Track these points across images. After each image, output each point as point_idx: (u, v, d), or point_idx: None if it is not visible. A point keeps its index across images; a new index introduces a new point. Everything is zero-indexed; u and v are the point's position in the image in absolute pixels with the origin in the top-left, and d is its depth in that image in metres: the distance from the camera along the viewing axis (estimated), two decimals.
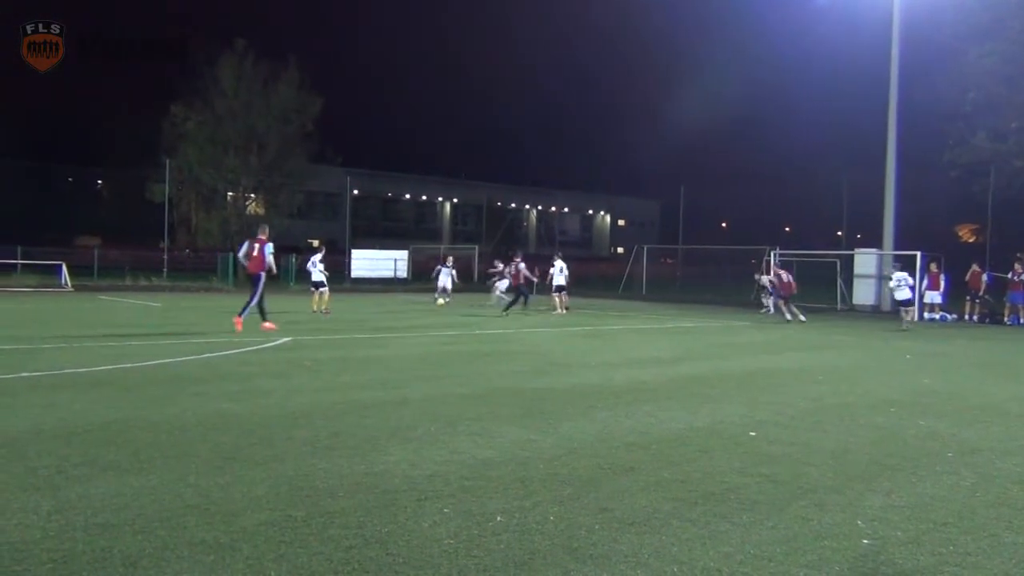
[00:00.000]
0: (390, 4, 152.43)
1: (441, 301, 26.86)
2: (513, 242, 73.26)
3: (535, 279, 25.98)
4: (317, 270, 23.18)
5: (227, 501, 5.15)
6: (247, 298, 16.50)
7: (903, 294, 22.00)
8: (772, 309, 27.48)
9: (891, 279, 22.49)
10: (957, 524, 5.15)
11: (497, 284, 28.51)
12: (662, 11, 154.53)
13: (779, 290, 25.02)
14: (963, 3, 29.75)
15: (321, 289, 22.98)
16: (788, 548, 4.61)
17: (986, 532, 5.01)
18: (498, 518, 4.98)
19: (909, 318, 22.99)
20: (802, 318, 23.93)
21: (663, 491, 5.67)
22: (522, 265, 25.10)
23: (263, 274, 16.31)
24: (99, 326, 17.07)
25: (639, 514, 5.14)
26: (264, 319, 16.37)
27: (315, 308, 22.58)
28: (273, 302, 21.67)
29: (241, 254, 16.72)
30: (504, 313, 23.27)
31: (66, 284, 32.22)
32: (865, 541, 4.77)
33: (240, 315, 16.14)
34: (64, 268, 32.95)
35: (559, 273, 25.63)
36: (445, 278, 27.79)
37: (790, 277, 24.88)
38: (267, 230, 17.20)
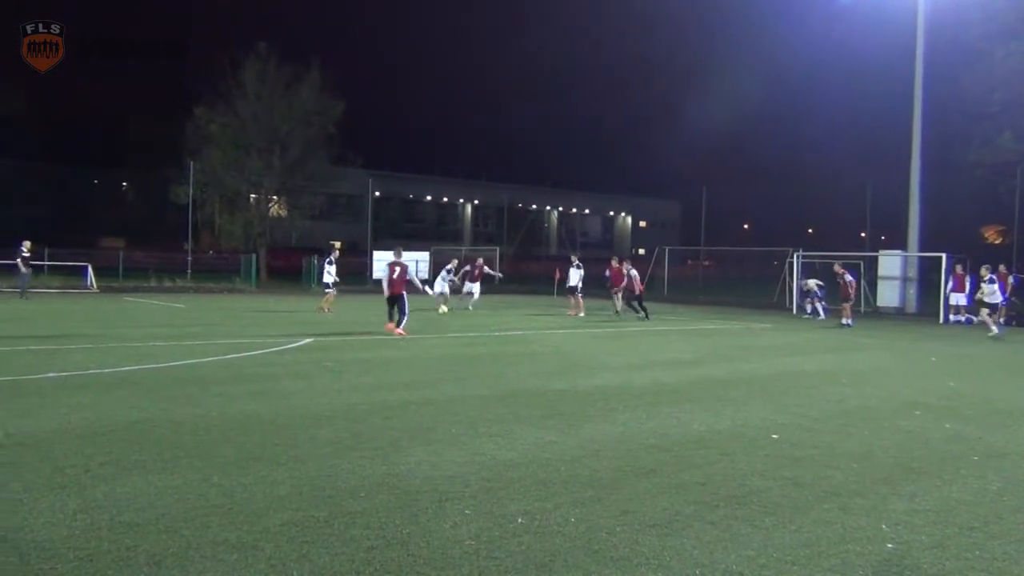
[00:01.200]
0: (411, 6, 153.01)
1: (443, 309, 24.27)
2: (534, 243, 73.25)
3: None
4: (327, 272, 23.70)
5: (250, 501, 5.19)
6: (395, 314, 17.21)
7: (995, 298, 21.09)
8: (822, 314, 26.49)
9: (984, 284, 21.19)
10: (983, 529, 5.09)
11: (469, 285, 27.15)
12: (684, 11, 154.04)
13: (842, 293, 23.40)
14: (990, 3, 29.44)
15: (327, 291, 23.51)
16: (811, 552, 4.58)
17: (1013, 537, 4.96)
18: (519, 520, 4.98)
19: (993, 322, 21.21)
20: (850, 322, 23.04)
21: (684, 493, 5.65)
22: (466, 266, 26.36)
23: (404, 292, 17.43)
24: (124, 327, 17.23)
25: (660, 516, 5.13)
26: (393, 321, 17.36)
27: (323, 307, 22.92)
28: (293, 303, 21.77)
29: (385, 284, 17.63)
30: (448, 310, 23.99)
31: (91, 285, 32.52)
32: (889, 545, 4.74)
33: (399, 327, 17.05)
34: (90, 269, 33.27)
35: (575, 275, 25.49)
36: (442, 284, 25.47)
37: (852, 279, 23.71)
38: (401, 252, 18.73)
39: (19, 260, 25.92)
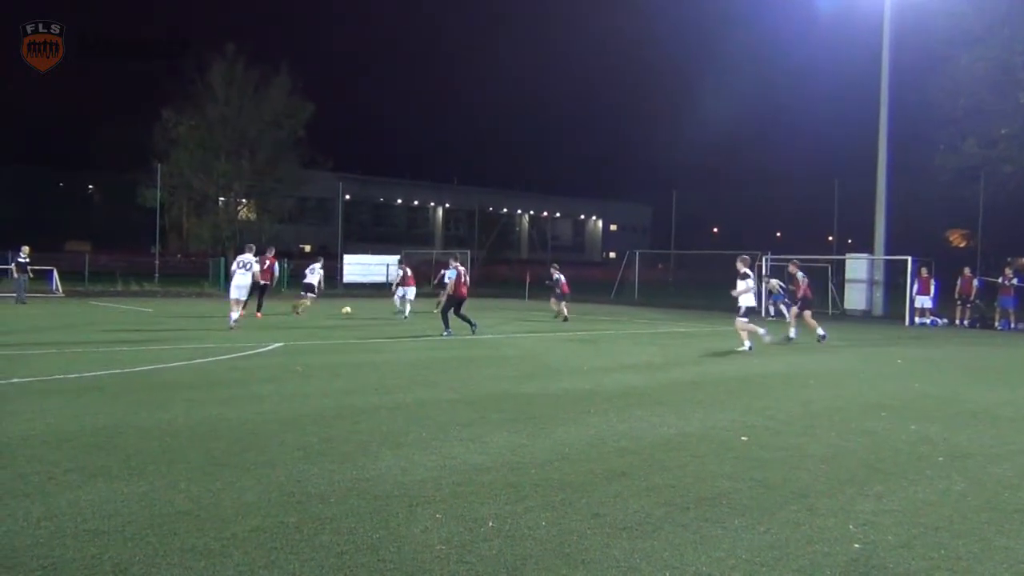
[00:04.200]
0: (382, 10, 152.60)
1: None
2: (505, 247, 73.30)
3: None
4: (314, 272, 24.01)
5: (218, 507, 5.14)
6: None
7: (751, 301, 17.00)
8: (787, 315, 24.74)
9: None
10: (948, 528, 5.16)
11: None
12: (656, 20, 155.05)
13: (794, 296, 20.01)
14: (955, 10, 29.91)
15: (309, 294, 23.62)
16: (780, 553, 4.62)
17: (977, 536, 5.03)
18: (490, 524, 4.98)
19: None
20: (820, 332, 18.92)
21: (655, 496, 5.67)
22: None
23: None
24: (90, 332, 17.00)
25: (631, 519, 5.15)
26: (447, 327, 18.28)
27: (297, 310, 23.21)
28: (267, 307, 21.61)
29: (450, 288, 18.52)
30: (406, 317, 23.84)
31: (57, 290, 32.04)
32: (856, 545, 4.79)
33: (445, 333, 18.02)
34: (55, 274, 32.77)
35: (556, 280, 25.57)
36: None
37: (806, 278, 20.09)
38: (458, 256, 19.65)
39: (13, 265, 25.98)
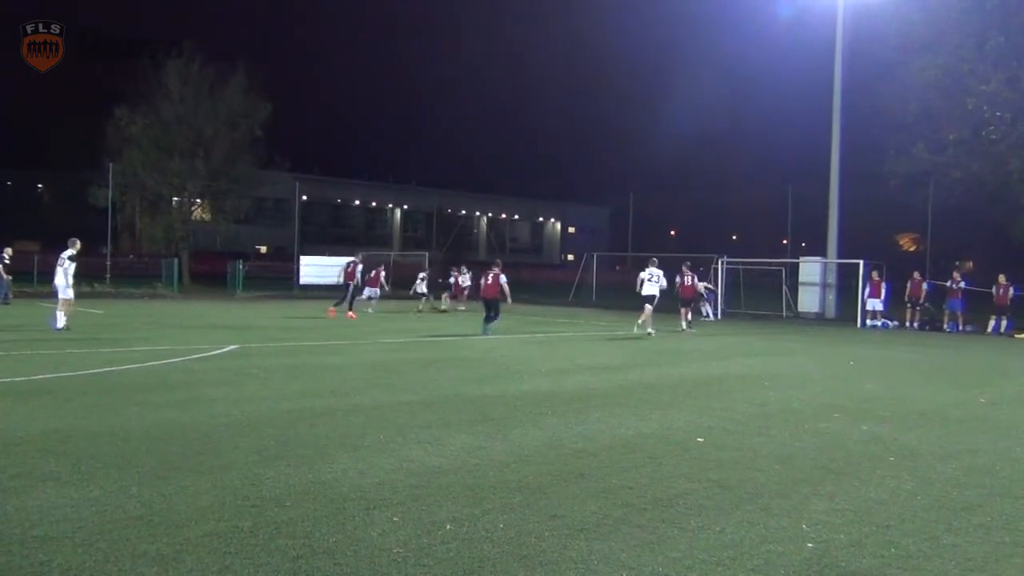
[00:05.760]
0: (339, 9, 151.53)
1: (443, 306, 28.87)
2: (463, 248, 73.19)
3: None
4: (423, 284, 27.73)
5: (171, 512, 5.06)
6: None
7: (652, 289, 20.58)
8: (711, 316, 28.93)
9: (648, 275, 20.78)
10: (898, 527, 5.26)
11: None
12: (615, 25, 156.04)
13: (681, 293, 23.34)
14: (906, 17, 30.47)
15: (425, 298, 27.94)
16: (735, 552, 4.67)
17: (926, 534, 5.13)
18: (448, 526, 4.96)
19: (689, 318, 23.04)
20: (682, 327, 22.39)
21: (612, 497, 5.70)
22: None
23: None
24: (38, 333, 16.63)
25: (588, 520, 5.17)
26: (487, 329, 19.54)
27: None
28: (220, 308, 21.34)
29: (506, 291, 19.87)
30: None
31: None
32: (810, 545, 4.85)
33: (486, 332, 19.27)
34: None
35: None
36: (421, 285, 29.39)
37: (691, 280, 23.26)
38: (501, 264, 20.43)
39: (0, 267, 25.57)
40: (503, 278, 19.73)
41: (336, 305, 23.89)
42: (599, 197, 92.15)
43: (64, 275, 17.49)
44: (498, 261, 20.84)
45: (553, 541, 4.77)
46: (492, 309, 19.62)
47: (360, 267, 24.90)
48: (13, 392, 9.35)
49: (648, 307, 20.33)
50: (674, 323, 22.65)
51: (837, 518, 5.40)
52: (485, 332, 19.23)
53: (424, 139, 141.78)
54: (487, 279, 19.93)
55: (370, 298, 27.93)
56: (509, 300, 20.46)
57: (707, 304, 29.39)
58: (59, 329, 16.77)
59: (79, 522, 4.82)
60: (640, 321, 20.39)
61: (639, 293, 20.51)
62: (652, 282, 20.52)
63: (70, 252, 17.69)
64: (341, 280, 24.90)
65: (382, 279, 29.04)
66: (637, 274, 21.55)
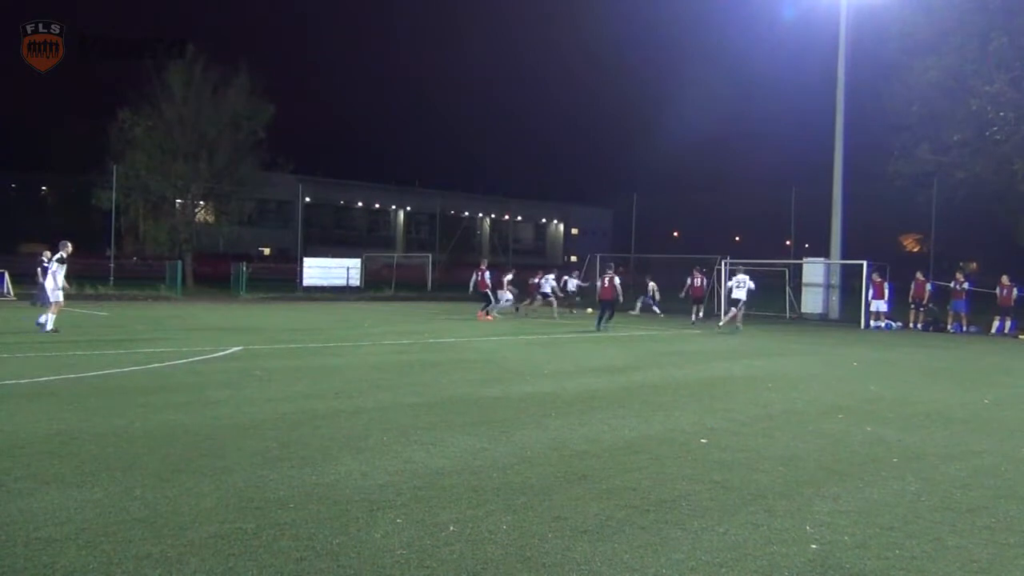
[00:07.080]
0: (342, 11, 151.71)
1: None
2: (467, 251, 73.14)
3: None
4: (548, 285, 28.14)
5: (174, 514, 5.06)
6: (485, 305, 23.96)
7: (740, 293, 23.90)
8: (658, 311, 30.70)
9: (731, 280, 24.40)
10: (903, 528, 5.25)
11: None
12: (618, 27, 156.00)
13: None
14: (909, 19, 30.45)
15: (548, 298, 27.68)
16: (738, 554, 4.67)
17: (930, 536, 5.12)
18: (451, 528, 4.96)
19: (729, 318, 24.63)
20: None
21: (616, 499, 5.70)
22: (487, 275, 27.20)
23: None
24: (42, 336, 16.65)
25: (592, 522, 5.16)
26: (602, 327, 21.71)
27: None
28: (222, 311, 21.35)
29: (624, 294, 22.08)
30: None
31: (8, 293, 31.35)
32: (813, 546, 4.85)
33: (599, 328, 21.44)
34: (6, 276, 32.05)
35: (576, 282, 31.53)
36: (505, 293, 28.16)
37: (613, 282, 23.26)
38: (615, 267, 22.82)
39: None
40: (617, 280, 22.04)
41: (483, 310, 25.74)
42: (602, 198, 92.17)
43: (53, 278, 17.58)
44: (611, 264, 23.49)
45: (556, 542, 4.76)
46: (608, 309, 21.70)
47: (487, 274, 25.81)
48: (17, 394, 9.37)
49: (734, 309, 23.82)
50: (685, 320, 24.99)
51: (841, 520, 5.39)
52: (602, 329, 21.38)
53: (427, 141, 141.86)
54: (603, 282, 22.16)
55: (510, 301, 28.08)
56: (621, 299, 22.68)
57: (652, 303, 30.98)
58: (48, 331, 16.84)
59: (83, 524, 4.82)
60: (728, 319, 24.10)
61: (688, 294, 26.74)
62: (740, 288, 23.55)
63: (60, 255, 17.72)
64: (476, 290, 26.40)
65: (506, 283, 28.38)
66: (638, 278, 23.75)
